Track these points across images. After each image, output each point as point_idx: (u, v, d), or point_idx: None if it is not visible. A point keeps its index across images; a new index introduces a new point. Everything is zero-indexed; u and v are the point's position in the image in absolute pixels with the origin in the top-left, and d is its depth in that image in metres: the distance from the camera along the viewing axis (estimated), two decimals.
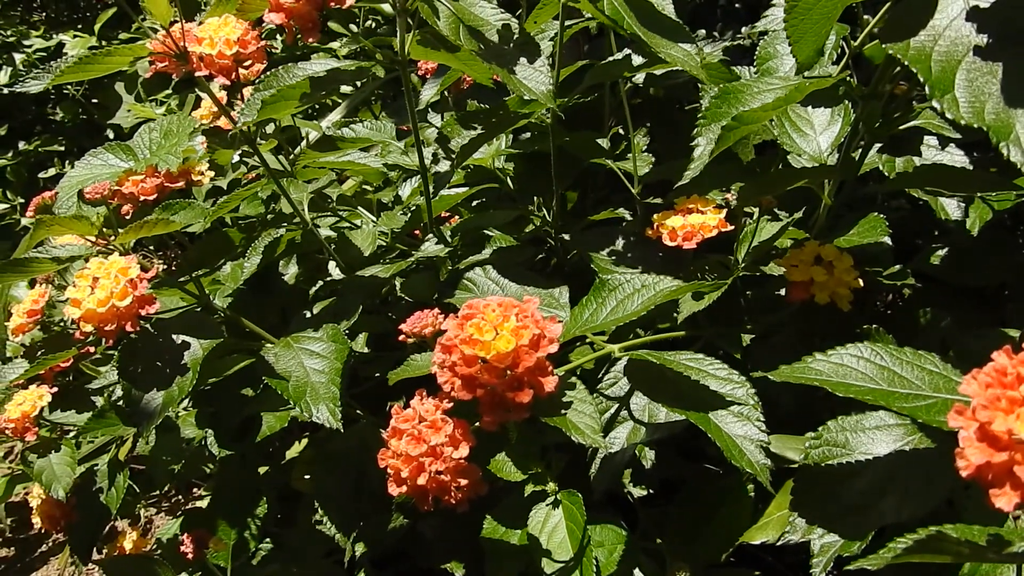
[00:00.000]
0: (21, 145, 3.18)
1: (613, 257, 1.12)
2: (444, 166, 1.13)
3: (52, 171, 2.92)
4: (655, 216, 1.07)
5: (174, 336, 1.10)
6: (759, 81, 0.95)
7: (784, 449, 0.95)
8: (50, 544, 2.66)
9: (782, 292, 1.16)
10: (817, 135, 1.17)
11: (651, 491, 1.38)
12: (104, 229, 1.08)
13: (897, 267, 1.24)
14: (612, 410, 1.03)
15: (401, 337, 0.88)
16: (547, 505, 1.09)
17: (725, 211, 1.05)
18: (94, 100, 3.21)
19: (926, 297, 1.26)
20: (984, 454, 0.51)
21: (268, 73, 1.04)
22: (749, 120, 0.86)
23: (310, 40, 0.93)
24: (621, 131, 1.66)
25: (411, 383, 1.00)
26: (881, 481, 0.84)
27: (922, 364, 0.77)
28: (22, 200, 2.99)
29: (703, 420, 0.86)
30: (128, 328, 1.02)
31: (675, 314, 1.12)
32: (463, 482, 0.83)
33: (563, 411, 0.81)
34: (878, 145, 1.24)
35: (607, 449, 0.99)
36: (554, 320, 0.79)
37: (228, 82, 1.07)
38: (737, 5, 2.35)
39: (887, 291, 1.53)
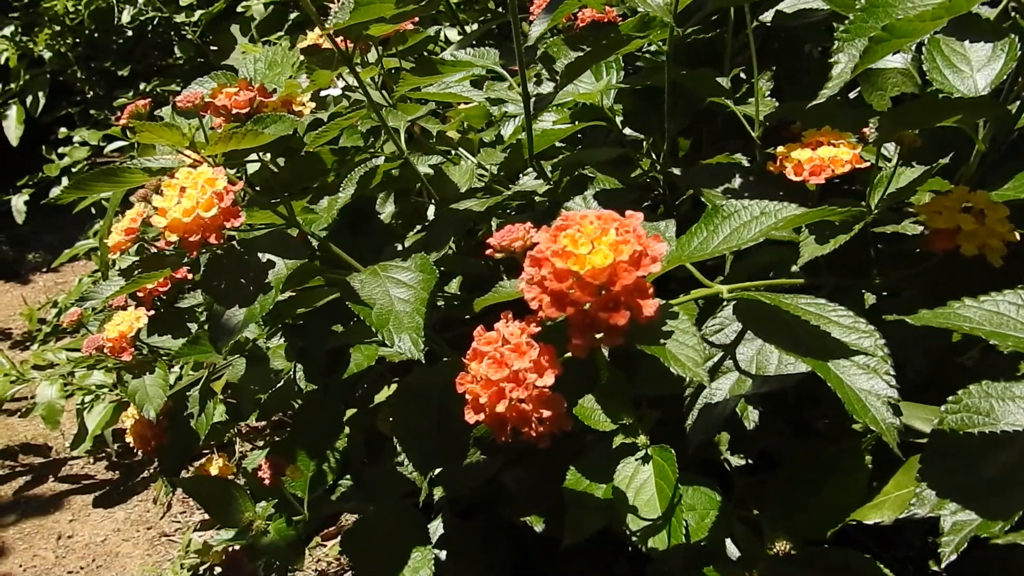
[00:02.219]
0: (142, 85, 3.27)
1: (728, 195, 1.02)
2: (547, 88, 1.04)
3: (166, 108, 2.99)
4: (779, 149, 0.96)
5: (260, 254, 1.06)
6: None
7: (911, 418, 0.84)
8: (151, 471, 2.75)
9: (916, 250, 1.04)
10: (974, 72, 1.03)
11: (749, 461, 1.28)
12: (196, 140, 1.05)
13: None
14: (716, 358, 0.94)
15: (488, 251, 0.81)
16: (636, 460, 1.01)
17: (860, 147, 0.93)
18: (212, 45, 3.26)
19: None
20: None
21: None
22: (902, 33, 0.74)
23: None
24: (743, 75, 1.54)
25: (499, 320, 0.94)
26: None
27: None
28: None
29: (823, 369, 0.75)
30: (212, 240, 0.99)
31: (794, 267, 1.02)
32: (546, 413, 0.75)
33: (663, 340, 0.73)
34: None
35: (709, 396, 0.90)
36: (658, 238, 0.70)
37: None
38: None
39: None
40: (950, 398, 0.76)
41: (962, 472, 0.76)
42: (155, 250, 1.43)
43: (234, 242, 1.08)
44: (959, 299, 0.80)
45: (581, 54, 1.02)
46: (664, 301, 0.76)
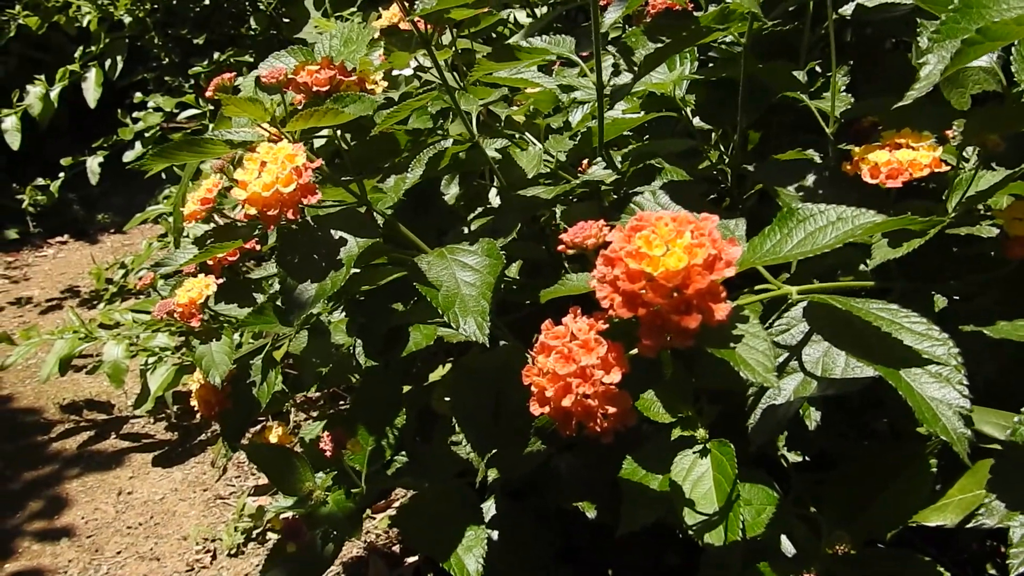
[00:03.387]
0: (216, 55, 3.33)
1: (801, 193, 1.01)
2: (624, 78, 1.04)
3: (241, 79, 3.04)
4: (856, 149, 0.95)
5: (332, 231, 1.09)
6: None
7: (981, 423, 0.83)
8: (208, 434, 2.83)
9: (993, 255, 1.02)
10: None
11: (807, 458, 1.28)
12: (276, 115, 1.07)
13: None
14: (782, 359, 0.93)
15: (561, 247, 0.82)
16: (694, 453, 1.01)
17: (941, 149, 0.91)
18: (284, 17, 3.30)
19: None
20: None
21: None
22: (997, 36, 0.72)
23: None
24: (818, 69, 1.51)
25: (562, 311, 0.95)
26: None
27: None
28: (211, 108, 3.13)
29: (893, 376, 0.75)
30: (290, 216, 1.01)
31: (863, 266, 1.00)
32: (611, 410, 0.76)
33: (732, 344, 0.73)
34: None
35: (773, 397, 0.90)
36: (733, 242, 0.70)
37: None
38: None
39: None
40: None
41: None
42: (227, 221, 1.47)
43: (308, 218, 1.11)
44: None
45: (660, 45, 1.01)
46: (734, 304, 0.76)
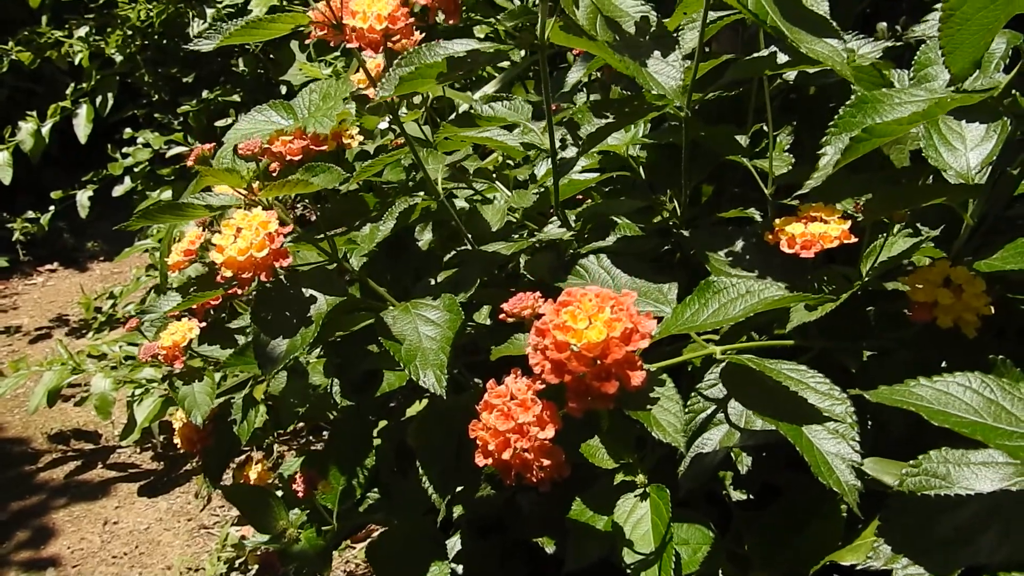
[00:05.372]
0: (204, 93, 3.43)
1: (731, 259, 1.11)
2: (571, 152, 1.14)
3: (228, 120, 3.14)
4: (776, 221, 1.05)
5: (304, 289, 1.18)
6: (902, 92, 0.91)
7: (882, 473, 0.92)
8: (194, 464, 2.90)
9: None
10: (967, 151, 1.10)
11: (750, 496, 1.36)
12: (252, 183, 1.17)
13: None
14: (709, 411, 1.03)
15: (501, 316, 0.92)
16: (635, 496, 1.10)
17: (850, 222, 1.01)
18: (271, 56, 3.41)
19: None
20: None
21: (412, 49, 1.09)
22: (881, 133, 0.83)
23: (451, 22, 0.97)
24: (766, 128, 1.62)
25: (514, 360, 1.04)
26: (980, 518, 0.81)
27: None
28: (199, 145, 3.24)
29: (795, 433, 0.84)
30: (263, 278, 1.10)
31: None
32: (546, 463, 0.85)
33: (649, 406, 0.82)
34: None
35: (701, 446, 0.99)
36: (649, 316, 0.80)
37: (375, 55, 1.13)
38: None
39: None
40: (911, 462, 0.84)
41: (918, 531, 0.84)
42: (209, 270, 1.56)
43: (282, 276, 1.20)
44: (938, 367, 0.89)
45: (603, 123, 1.11)
46: (655, 366, 0.86)
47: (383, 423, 1.89)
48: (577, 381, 0.79)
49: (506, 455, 0.85)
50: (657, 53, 0.97)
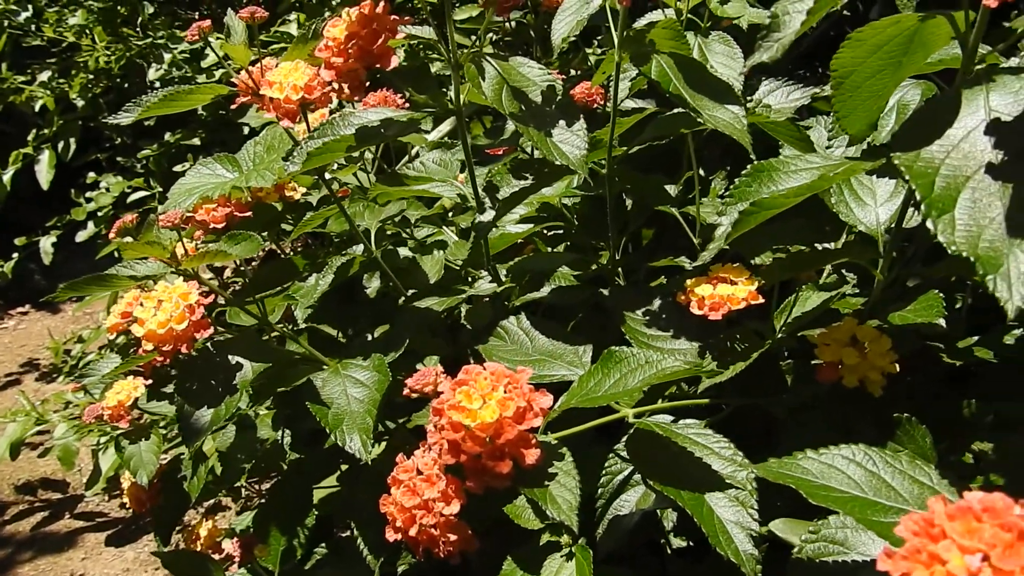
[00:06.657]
0: (167, 135, 3.44)
1: (647, 318, 1.12)
2: (489, 216, 1.16)
3: (187, 165, 3.15)
4: (688, 282, 1.07)
5: (229, 357, 1.18)
6: (797, 159, 0.93)
7: (790, 534, 0.93)
8: None
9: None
10: (877, 206, 1.12)
11: (691, 543, 1.37)
12: (175, 253, 1.17)
13: (960, 344, 1.18)
14: (626, 472, 1.04)
15: (405, 392, 0.93)
16: (561, 556, 1.10)
17: (758, 283, 1.03)
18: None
19: (986, 383, 1.19)
20: None
21: (324, 122, 1.10)
22: (769, 206, 0.84)
23: (356, 98, 0.99)
24: (702, 172, 1.64)
25: None
26: None
27: (915, 475, 0.74)
28: (160, 191, 3.24)
29: (696, 502, 0.85)
30: (183, 350, 1.11)
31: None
32: (452, 537, 0.86)
33: (547, 482, 0.83)
34: None
35: (618, 508, 1.00)
36: (544, 393, 0.81)
37: (292, 125, 1.14)
38: None
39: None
40: (810, 527, 0.85)
41: None
42: None
43: (208, 344, 1.20)
44: (850, 423, 0.91)
45: (518, 188, 1.13)
46: (555, 439, 0.86)
47: (344, 466, 1.89)
48: (473, 460, 0.80)
49: (413, 531, 0.86)
50: (562, 123, 0.98)
